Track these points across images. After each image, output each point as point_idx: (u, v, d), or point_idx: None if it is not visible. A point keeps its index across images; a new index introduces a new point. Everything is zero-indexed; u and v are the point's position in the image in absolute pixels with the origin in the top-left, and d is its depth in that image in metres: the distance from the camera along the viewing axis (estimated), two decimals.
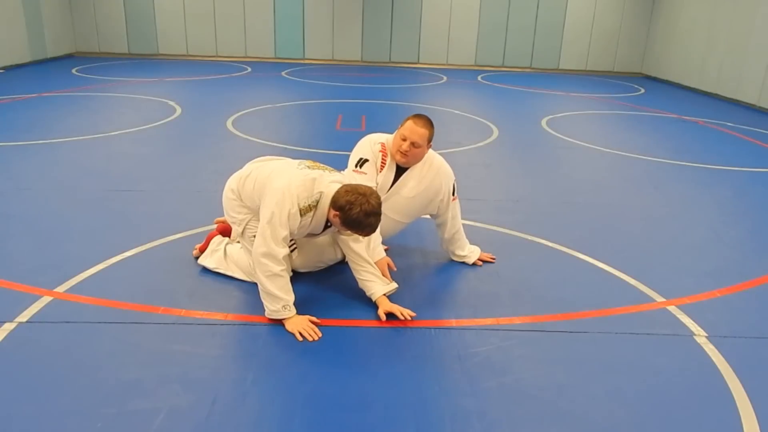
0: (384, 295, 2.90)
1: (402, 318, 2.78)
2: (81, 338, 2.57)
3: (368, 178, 3.16)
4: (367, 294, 2.93)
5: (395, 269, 3.14)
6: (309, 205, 2.74)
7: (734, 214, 4.72)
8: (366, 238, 2.91)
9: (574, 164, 6.05)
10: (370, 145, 3.26)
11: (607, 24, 14.18)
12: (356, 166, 3.22)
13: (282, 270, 2.71)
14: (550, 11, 14.08)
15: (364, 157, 3.22)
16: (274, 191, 2.73)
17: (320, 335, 2.66)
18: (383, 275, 2.96)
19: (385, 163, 3.23)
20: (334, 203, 2.68)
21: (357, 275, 2.95)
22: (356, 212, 2.60)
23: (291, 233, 2.76)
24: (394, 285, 2.96)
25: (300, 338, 2.63)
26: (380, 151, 3.23)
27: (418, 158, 3.22)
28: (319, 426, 2.12)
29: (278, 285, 2.70)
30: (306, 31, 14.01)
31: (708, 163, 6.17)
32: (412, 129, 3.12)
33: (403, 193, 3.27)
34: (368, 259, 2.92)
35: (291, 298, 2.74)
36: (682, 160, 6.29)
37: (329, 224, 2.86)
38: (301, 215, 2.72)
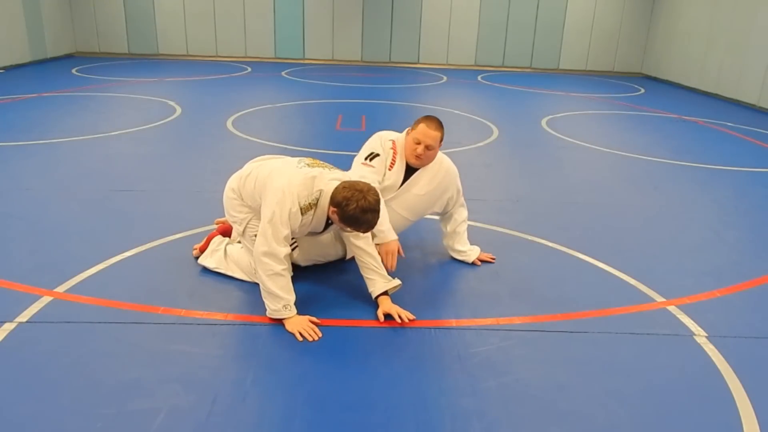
0: (386, 293, 2.89)
1: (399, 321, 2.78)
2: (81, 338, 2.57)
3: (376, 171, 3.20)
4: (369, 291, 2.93)
5: (404, 257, 3.21)
6: (309, 203, 2.75)
7: (734, 214, 4.72)
8: (366, 234, 2.91)
9: (574, 164, 6.05)
10: (381, 141, 3.31)
11: (607, 24, 14.18)
12: (366, 159, 3.25)
13: (283, 269, 2.71)
14: (550, 11, 14.08)
15: (376, 152, 3.26)
16: (275, 190, 2.73)
17: (320, 335, 2.66)
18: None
19: (394, 162, 3.27)
20: (332, 199, 2.69)
21: (361, 272, 2.95)
22: (353, 208, 2.61)
23: (292, 232, 2.76)
24: (396, 282, 2.95)
25: (300, 338, 2.63)
26: (391, 148, 3.28)
27: (431, 159, 3.29)
28: (319, 426, 2.12)
29: (279, 284, 2.70)
30: (306, 31, 14.01)
31: (708, 163, 6.17)
32: (426, 132, 3.16)
33: (414, 190, 3.32)
34: (371, 252, 2.91)
35: (292, 297, 2.74)
36: (682, 160, 6.29)
37: (330, 222, 2.86)
38: (301, 214, 2.73)
